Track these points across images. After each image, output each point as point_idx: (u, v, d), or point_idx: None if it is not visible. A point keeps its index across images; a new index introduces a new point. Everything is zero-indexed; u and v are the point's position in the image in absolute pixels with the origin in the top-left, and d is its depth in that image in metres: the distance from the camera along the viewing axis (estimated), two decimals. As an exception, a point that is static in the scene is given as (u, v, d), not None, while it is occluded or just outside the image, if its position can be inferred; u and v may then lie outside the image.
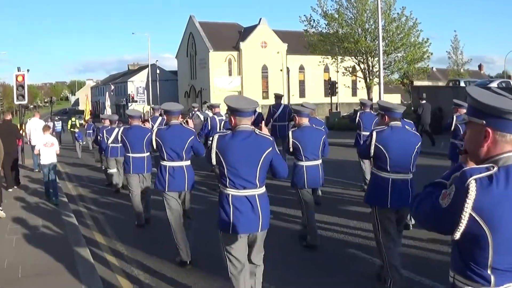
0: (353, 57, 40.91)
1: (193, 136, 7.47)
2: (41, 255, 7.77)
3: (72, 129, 36.50)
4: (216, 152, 4.87)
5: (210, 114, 13.74)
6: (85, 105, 39.62)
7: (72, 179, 17.82)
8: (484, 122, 2.36)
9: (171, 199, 7.30)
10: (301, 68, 74.14)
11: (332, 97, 47.57)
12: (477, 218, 2.21)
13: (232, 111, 4.91)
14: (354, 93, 66.98)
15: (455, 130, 9.91)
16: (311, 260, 7.45)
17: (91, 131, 28.72)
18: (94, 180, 17.24)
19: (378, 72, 40.44)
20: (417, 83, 42.32)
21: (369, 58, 39.78)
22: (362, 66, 40.89)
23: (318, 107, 55.44)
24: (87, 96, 45.55)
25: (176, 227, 7.24)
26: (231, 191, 4.85)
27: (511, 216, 2.21)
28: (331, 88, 43.53)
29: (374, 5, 36.26)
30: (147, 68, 75.34)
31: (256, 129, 4.98)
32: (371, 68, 40.09)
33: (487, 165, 2.31)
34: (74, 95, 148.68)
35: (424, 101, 21.77)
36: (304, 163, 7.77)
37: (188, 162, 7.50)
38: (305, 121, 7.91)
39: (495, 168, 2.27)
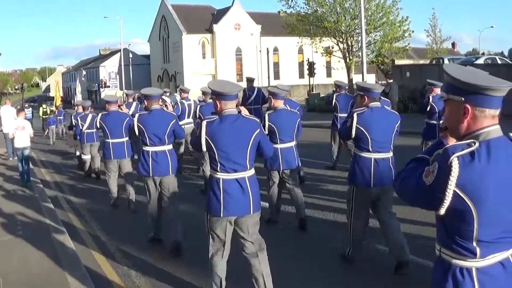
0: (331, 38, 40.81)
1: (174, 120, 7.56)
2: (21, 243, 7.81)
3: (44, 116, 36.26)
4: (205, 138, 4.93)
5: (178, 98, 13.74)
6: (55, 92, 38.99)
7: (47, 166, 17.83)
8: (462, 99, 2.44)
9: (152, 184, 7.40)
10: (275, 50, 73.93)
11: (310, 78, 46.98)
12: (461, 194, 2.30)
13: (217, 95, 4.96)
14: (328, 74, 66.95)
15: (430, 110, 10.12)
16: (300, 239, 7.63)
17: (62, 117, 28.53)
18: (68, 166, 17.31)
19: (358, 52, 40.56)
20: (398, 62, 41.96)
21: (349, 38, 39.50)
22: (341, 46, 40.51)
23: (294, 88, 55.82)
24: (57, 82, 44.85)
25: (153, 210, 7.49)
26: (222, 175, 4.93)
27: (493, 190, 2.30)
28: (309, 69, 42.75)
29: None
30: (119, 53, 74.53)
31: (241, 112, 5.05)
32: (350, 48, 39.81)
33: (468, 141, 2.38)
34: (45, 81, 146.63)
35: (391, 80, 21.99)
36: (279, 146, 7.74)
37: (170, 146, 7.61)
38: (280, 103, 7.92)
39: (476, 144, 2.35)
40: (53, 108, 37.08)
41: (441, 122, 5.40)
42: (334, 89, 13.22)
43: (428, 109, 10.19)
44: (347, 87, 13.18)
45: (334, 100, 12.61)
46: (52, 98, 62.82)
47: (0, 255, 7.28)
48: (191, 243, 7.33)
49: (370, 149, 6.06)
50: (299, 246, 7.37)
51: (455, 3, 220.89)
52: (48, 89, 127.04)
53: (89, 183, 13.65)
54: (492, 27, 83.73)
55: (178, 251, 7.19)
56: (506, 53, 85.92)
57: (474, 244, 2.39)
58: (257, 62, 70.57)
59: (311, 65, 43.48)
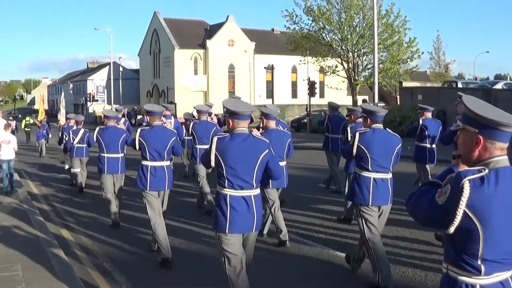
0: (336, 57, 40.77)
1: (174, 137, 7.94)
2: (12, 253, 8.01)
3: (26, 129, 36.51)
4: (215, 154, 5.20)
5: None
6: (40, 105, 39.13)
7: (33, 178, 18.15)
8: (476, 130, 2.75)
9: (152, 198, 7.71)
10: (269, 68, 74.33)
11: (310, 98, 44.62)
12: (470, 214, 2.59)
13: (231, 114, 5.25)
14: (321, 95, 67.08)
15: (421, 133, 10.55)
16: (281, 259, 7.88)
17: (44, 131, 28.62)
18: (55, 179, 17.63)
19: (362, 72, 40.78)
20: (406, 84, 41.94)
21: (355, 57, 39.69)
22: (345, 65, 40.59)
23: (288, 108, 56.04)
24: (42, 95, 44.98)
25: (158, 226, 7.61)
26: (229, 191, 5.20)
27: (499, 213, 2.60)
28: (310, 88, 42.20)
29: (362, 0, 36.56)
30: (108, 67, 74.72)
31: (253, 132, 5.37)
32: (356, 68, 39.98)
33: (479, 167, 2.69)
34: (30, 93, 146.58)
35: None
36: None
37: (168, 162, 8.00)
38: (272, 124, 8.28)
39: (486, 170, 2.65)
40: (37, 122, 37.17)
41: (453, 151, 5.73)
42: (328, 109, 13.63)
43: (418, 132, 10.60)
44: (338, 108, 13.54)
45: (326, 121, 13.10)
46: (36, 111, 62.82)
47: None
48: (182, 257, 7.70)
49: (370, 169, 6.44)
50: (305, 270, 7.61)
51: (453, 27, 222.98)
52: (33, 101, 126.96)
53: (77, 196, 14.02)
54: (488, 52, 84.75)
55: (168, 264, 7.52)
56: (491, 78, 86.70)
57: (479, 262, 2.67)
58: (249, 79, 71.02)
59: (312, 85, 42.74)
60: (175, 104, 52.22)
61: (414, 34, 72.56)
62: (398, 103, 40.33)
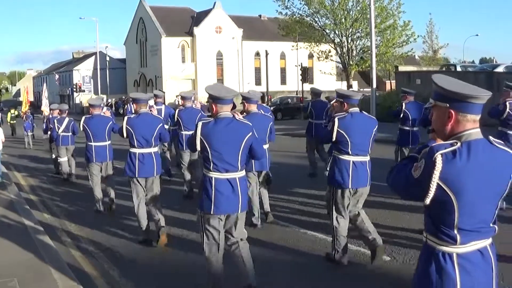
0: (329, 43, 40.83)
1: (161, 124, 8.28)
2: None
3: (11, 121, 36.70)
4: (200, 138, 5.50)
5: (151, 103, 14.40)
6: (23, 97, 39.24)
7: (20, 170, 18.41)
8: (447, 105, 2.94)
9: (138, 185, 8.09)
10: (257, 55, 74.52)
11: (303, 84, 45.14)
12: (443, 186, 2.78)
13: (214, 99, 5.56)
14: (311, 81, 66.88)
15: (404, 116, 10.95)
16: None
17: (29, 122, 28.81)
18: (42, 170, 17.97)
19: (356, 57, 40.72)
20: (402, 68, 41.45)
21: (349, 41, 39.70)
22: (339, 50, 40.57)
23: (278, 94, 56.18)
24: (26, 87, 45.07)
25: (140, 211, 8.11)
26: (214, 175, 5.52)
27: (472, 184, 2.79)
28: (302, 74, 42.20)
29: None
30: (93, 57, 74.46)
31: (235, 116, 5.67)
32: (350, 53, 39.98)
33: (451, 141, 2.88)
34: (15, 85, 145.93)
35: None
36: None
37: (156, 149, 8.30)
38: (253, 107, 8.61)
39: (458, 144, 2.83)
40: (21, 113, 37.31)
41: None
42: (311, 96, 14.00)
43: (401, 116, 11.00)
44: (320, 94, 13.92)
45: (309, 107, 13.54)
46: (21, 103, 62.74)
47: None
48: (176, 245, 8.05)
49: (350, 152, 6.73)
50: (285, 248, 7.99)
51: (442, 11, 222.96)
52: (18, 93, 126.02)
53: (65, 186, 14.35)
54: (477, 35, 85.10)
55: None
56: (477, 62, 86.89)
57: (455, 231, 2.86)
58: (238, 66, 71.12)
59: (305, 70, 42.70)
60: (164, 92, 52.34)
61: (407, 17, 72.13)
62: (392, 88, 40.33)
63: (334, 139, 6.79)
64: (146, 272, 7.08)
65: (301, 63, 44.66)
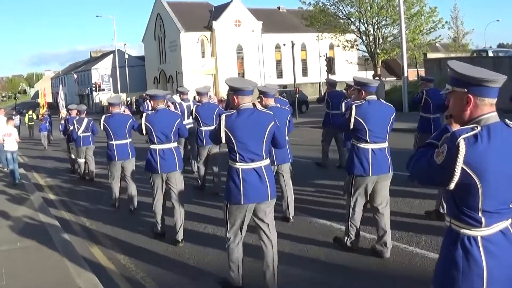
0: (353, 32, 40.61)
1: (179, 119, 8.49)
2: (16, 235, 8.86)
3: (29, 123, 37.44)
4: (225, 130, 5.72)
5: (178, 100, 14.62)
6: (41, 98, 39.91)
7: (39, 171, 18.92)
8: (465, 90, 3.04)
9: (159, 181, 8.35)
10: (277, 47, 74.50)
11: (328, 75, 42.67)
12: (467, 170, 2.89)
13: (235, 91, 5.78)
14: (332, 71, 66.43)
15: (425, 103, 11.03)
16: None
17: (47, 124, 29.44)
18: (61, 170, 18.51)
19: (384, 45, 39.85)
20: (430, 55, 40.04)
21: (375, 29, 39.47)
22: (365, 39, 40.24)
23: (301, 87, 56.09)
24: (43, 89, 45.76)
25: (157, 206, 8.44)
26: (241, 165, 5.73)
27: (493, 166, 2.90)
28: (328, 65, 40.28)
29: None
30: (111, 55, 75.03)
31: (257, 106, 5.89)
32: (377, 41, 39.71)
33: (471, 125, 2.97)
34: (33, 87, 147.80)
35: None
36: None
37: (176, 144, 8.53)
38: (271, 101, 8.73)
39: (479, 128, 2.93)
40: (39, 115, 38.02)
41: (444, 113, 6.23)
42: (327, 86, 14.24)
43: (422, 103, 11.09)
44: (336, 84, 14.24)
45: (326, 98, 13.77)
46: (39, 105, 63.57)
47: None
48: (188, 238, 8.31)
49: (368, 140, 6.84)
50: (300, 237, 8.15)
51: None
52: (37, 95, 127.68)
53: (84, 185, 14.75)
54: (498, 20, 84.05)
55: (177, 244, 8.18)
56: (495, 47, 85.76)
57: (480, 214, 2.97)
58: (259, 60, 71.18)
59: (330, 61, 40.72)
60: (185, 88, 52.53)
61: (432, 3, 71.35)
62: (420, 75, 39.85)
63: (352, 126, 6.89)
64: (166, 270, 7.24)
65: (326, 54, 44.11)
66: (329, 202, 10.22)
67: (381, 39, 39.94)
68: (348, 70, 56.60)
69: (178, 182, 8.37)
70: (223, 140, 5.79)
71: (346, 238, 7.21)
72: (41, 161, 22.18)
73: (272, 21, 73.00)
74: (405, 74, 25.30)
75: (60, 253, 7.72)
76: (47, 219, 9.98)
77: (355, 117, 6.83)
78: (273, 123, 5.86)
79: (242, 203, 5.75)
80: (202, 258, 7.51)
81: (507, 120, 3.09)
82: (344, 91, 12.46)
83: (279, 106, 9.21)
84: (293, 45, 40.09)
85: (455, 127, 3.12)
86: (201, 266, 7.18)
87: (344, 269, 6.77)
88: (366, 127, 6.81)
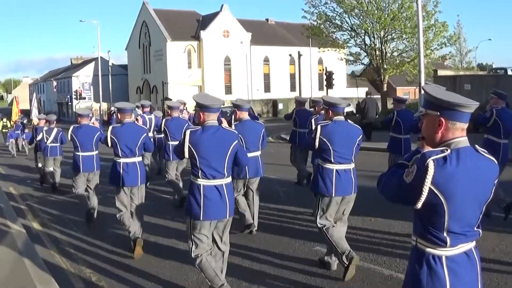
0: (362, 44, 40.14)
1: (145, 134, 8.79)
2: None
3: (4, 130, 37.90)
4: (188, 146, 5.98)
5: (139, 112, 14.82)
6: (14, 106, 40.45)
7: (10, 179, 19.13)
8: (438, 113, 3.26)
9: (123, 194, 8.62)
10: (266, 60, 74.58)
11: (328, 90, 41.52)
12: (435, 190, 3.10)
13: (201, 108, 6.05)
14: (321, 87, 66.28)
15: (396, 124, 11.45)
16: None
17: (19, 132, 29.75)
18: (29, 179, 18.84)
19: (391, 59, 39.13)
20: (441, 72, 39.29)
21: (382, 43, 38.96)
22: (371, 52, 39.60)
23: (290, 102, 56.12)
24: (16, 97, 46.31)
25: (124, 215, 8.58)
26: (202, 181, 6.01)
27: (460, 189, 3.12)
28: (327, 79, 40.46)
29: None
30: (93, 63, 74.64)
31: (222, 124, 6.17)
32: (384, 55, 39.16)
33: (442, 148, 3.19)
34: (10, 93, 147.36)
35: (369, 96, 22.98)
36: None
37: (140, 158, 8.84)
38: (245, 115, 9.16)
39: (448, 151, 3.15)
40: (12, 123, 38.36)
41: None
42: (295, 104, 14.68)
43: (393, 123, 11.51)
44: (304, 103, 14.71)
45: (294, 115, 14.16)
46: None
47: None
48: (159, 253, 8.53)
49: (333, 160, 7.12)
50: (276, 253, 8.34)
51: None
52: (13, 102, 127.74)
53: (53, 194, 15.10)
54: (490, 39, 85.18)
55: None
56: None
57: (445, 234, 3.19)
58: (246, 72, 71.30)
59: (329, 76, 40.44)
60: (171, 99, 52.49)
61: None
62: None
63: (316, 146, 7.17)
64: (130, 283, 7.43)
65: (326, 67, 43.75)
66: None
67: (388, 54, 39.54)
68: (336, 86, 56.74)
69: (139, 195, 8.71)
70: (187, 155, 6.04)
71: (340, 255, 6.99)
72: (9, 168, 22.65)
73: (261, 33, 73.11)
74: (421, 91, 25.14)
75: (24, 260, 7.90)
76: (15, 227, 10.14)
77: (320, 137, 7.11)
78: (236, 141, 6.14)
79: (201, 219, 5.98)
80: (165, 270, 7.70)
81: (476, 146, 3.30)
82: (311, 109, 12.78)
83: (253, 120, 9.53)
84: (299, 55, 39.59)
85: (426, 148, 3.32)
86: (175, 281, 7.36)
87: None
88: (330, 148, 7.09)
